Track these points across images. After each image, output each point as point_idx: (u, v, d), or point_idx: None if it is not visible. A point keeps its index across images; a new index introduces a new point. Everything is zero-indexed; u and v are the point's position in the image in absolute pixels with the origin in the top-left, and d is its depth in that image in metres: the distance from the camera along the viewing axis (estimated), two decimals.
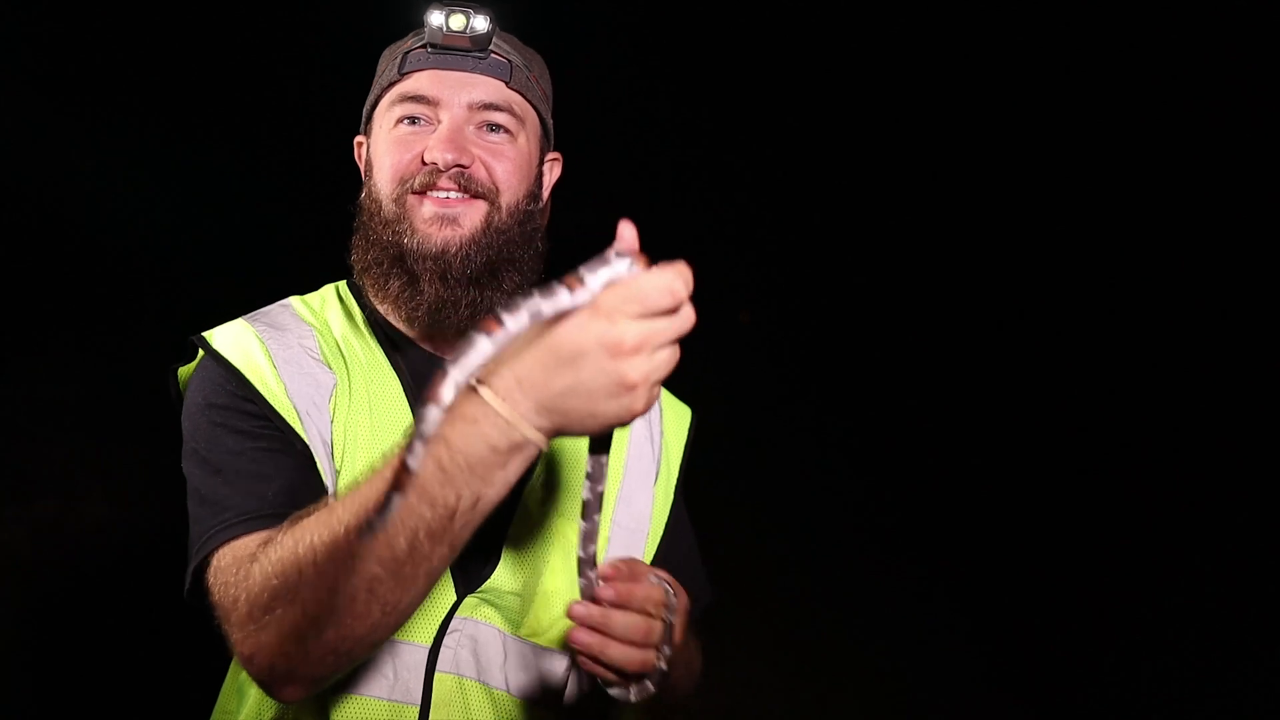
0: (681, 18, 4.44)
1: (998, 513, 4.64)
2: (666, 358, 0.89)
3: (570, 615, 0.97)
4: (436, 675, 1.14)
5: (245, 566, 1.02)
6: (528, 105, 1.28)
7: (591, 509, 1.01)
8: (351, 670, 1.07)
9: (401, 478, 0.82)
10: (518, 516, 1.22)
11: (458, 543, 0.94)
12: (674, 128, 4.74)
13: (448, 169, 1.20)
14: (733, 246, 5.21)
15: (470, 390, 0.91)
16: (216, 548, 1.07)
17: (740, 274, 5.31)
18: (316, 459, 1.14)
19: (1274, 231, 4.51)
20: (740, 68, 4.73)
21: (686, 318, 0.89)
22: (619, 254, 0.90)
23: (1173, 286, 4.79)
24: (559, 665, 1.21)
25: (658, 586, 1.02)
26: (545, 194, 1.34)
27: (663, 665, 1.02)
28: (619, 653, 0.98)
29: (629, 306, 0.87)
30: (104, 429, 3.82)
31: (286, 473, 1.11)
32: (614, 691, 1.03)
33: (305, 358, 1.21)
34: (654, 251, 1.06)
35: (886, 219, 5.18)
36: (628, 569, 1.02)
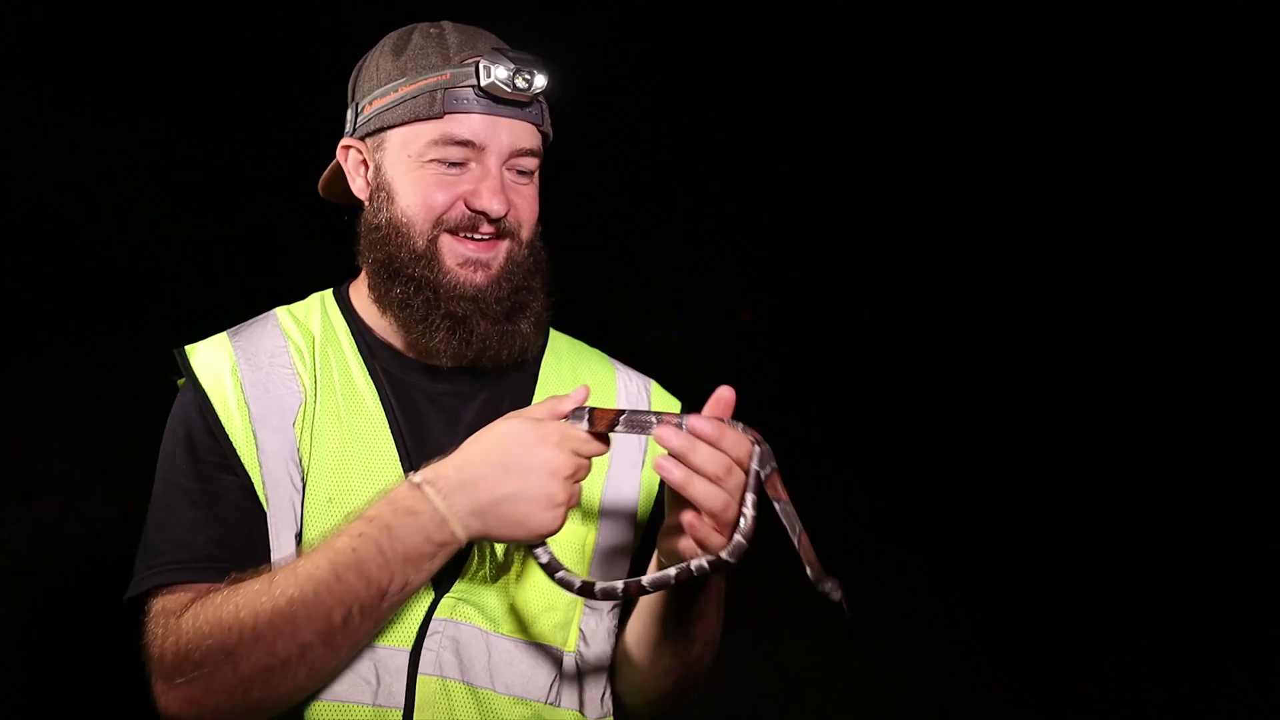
0: (682, 14, 4.43)
1: (999, 513, 4.64)
2: (575, 491, 1.08)
3: (658, 438, 1.02)
4: (419, 678, 1.16)
5: (172, 620, 1.10)
6: (543, 139, 1.31)
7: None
8: (334, 678, 1.13)
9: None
10: None
11: (383, 620, 1.08)
12: (674, 128, 4.74)
13: (497, 219, 1.22)
14: (734, 247, 5.22)
15: (415, 486, 1.05)
16: (150, 592, 1.15)
17: (741, 274, 5.32)
18: (266, 492, 1.19)
19: (1274, 231, 4.51)
20: (741, 66, 4.73)
21: (586, 468, 1.10)
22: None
23: (1172, 287, 4.79)
24: (544, 659, 1.22)
25: (745, 437, 1.05)
26: None
27: (749, 513, 1.03)
28: (702, 489, 1.00)
29: (572, 442, 1.06)
30: (104, 429, 3.82)
31: (225, 520, 1.18)
32: (702, 562, 1.04)
33: (273, 377, 1.24)
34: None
35: (887, 219, 5.18)
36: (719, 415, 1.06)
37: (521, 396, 1.33)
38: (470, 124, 1.22)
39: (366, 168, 1.30)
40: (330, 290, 1.38)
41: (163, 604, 1.13)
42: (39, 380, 3.83)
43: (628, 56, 4.43)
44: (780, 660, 3.85)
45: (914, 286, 5.24)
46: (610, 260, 4.19)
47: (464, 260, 1.23)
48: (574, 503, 1.09)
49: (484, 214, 1.22)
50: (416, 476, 1.07)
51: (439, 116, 1.22)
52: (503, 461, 1.05)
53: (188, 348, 1.29)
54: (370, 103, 1.28)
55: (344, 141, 1.33)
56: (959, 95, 4.84)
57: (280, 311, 1.35)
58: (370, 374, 1.27)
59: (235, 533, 1.18)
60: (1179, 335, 4.75)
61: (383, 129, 1.26)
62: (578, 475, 1.08)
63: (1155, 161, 4.69)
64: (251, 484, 1.20)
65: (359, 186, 1.32)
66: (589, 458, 1.09)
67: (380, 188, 1.27)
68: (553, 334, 1.43)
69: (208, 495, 1.19)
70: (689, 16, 4.44)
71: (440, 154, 1.22)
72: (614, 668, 1.35)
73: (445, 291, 1.23)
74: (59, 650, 3.16)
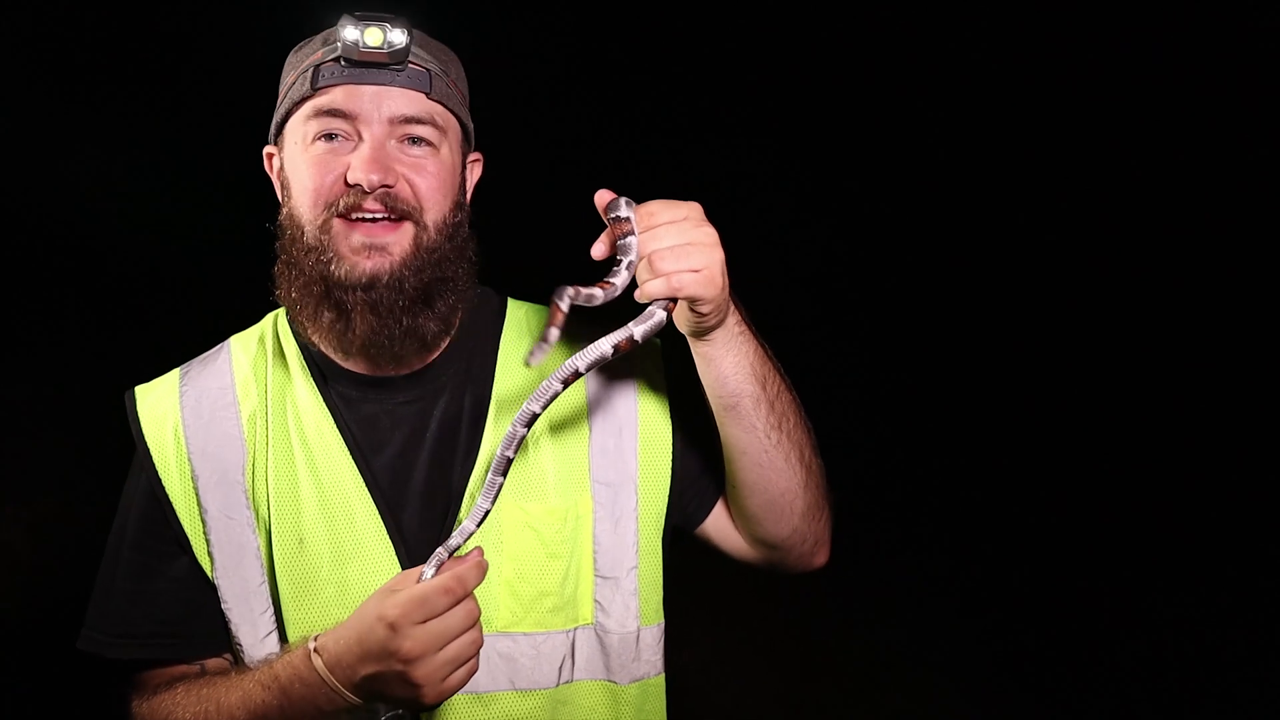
0: (687, 7, 4.41)
1: (1004, 513, 4.63)
2: (456, 652, 1.02)
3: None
4: None
5: (140, 704, 1.24)
6: (449, 114, 1.23)
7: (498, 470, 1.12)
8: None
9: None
10: (462, 514, 1.20)
11: None
12: (679, 121, 4.73)
13: (373, 190, 1.15)
14: (737, 246, 5.20)
15: (309, 656, 1.07)
16: (132, 671, 1.28)
17: (744, 273, 5.30)
18: (211, 553, 1.21)
19: (1275, 232, 4.51)
20: (746, 63, 4.72)
21: (470, 612, 1.03)
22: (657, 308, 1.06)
23: (1179, 287, 4.78)
24: (548, 646, 1.21)
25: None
26: (468, 197, 1.30)
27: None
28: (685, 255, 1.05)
29: (413, 614, 1.00)
30: (104, 429, 3.81)
31: (162, 595, 1.24)
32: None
33: (214, 431, 1.23)
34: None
35: (887, 219, 5.18)
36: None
37: (482, 383, 1.28)
38: (337, 93, 1.17)
39: (280, 170, 1.26)
40: (284, 310, 1.31)
41: (136, 678, 1.28)
42: (40, 380, 3.83)
43: (632, 49, 4.42)
44: (781, 660, 3.84)
45: (917, 286, 5.24)
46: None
47: (358, 246, 1.16)
48: (447, 669, 1.03)
49: (359, 186, 1.14)
50: (313, 642, 1.08)
51: (310, 95, 1.18)
52: (360, 640, 1.03)
53: (137, 391, 1.27)
54: (277, 106, 1.26)
55: (266, 150, 1.30)
56: (962, 97, 4.84)
57: (233, 342, 1.31)
58: (325, 401, 1.24)
59: (174, 608, 1.24)
60: (1182, 337, 4.75)
61: (280, 126, 1.24)
62: (430, 647, 1.01)
63: (1158, 161, 4.68)
64: (195, 553, 1.22)
65: (279, 192, 1.27)
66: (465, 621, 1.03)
67: (284, 185, 1.24)
68: (510, 304, 1.37)
69: (147, 570, 1.24)
70: (706, 19, 4.42)
71: (316, 128, 1.17)
72: (754, 537, 1.31)
73: (334, 281, 1.16)
74: (58, 650, 3.15)
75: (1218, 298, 4.69)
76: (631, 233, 1.05)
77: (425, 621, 1.01)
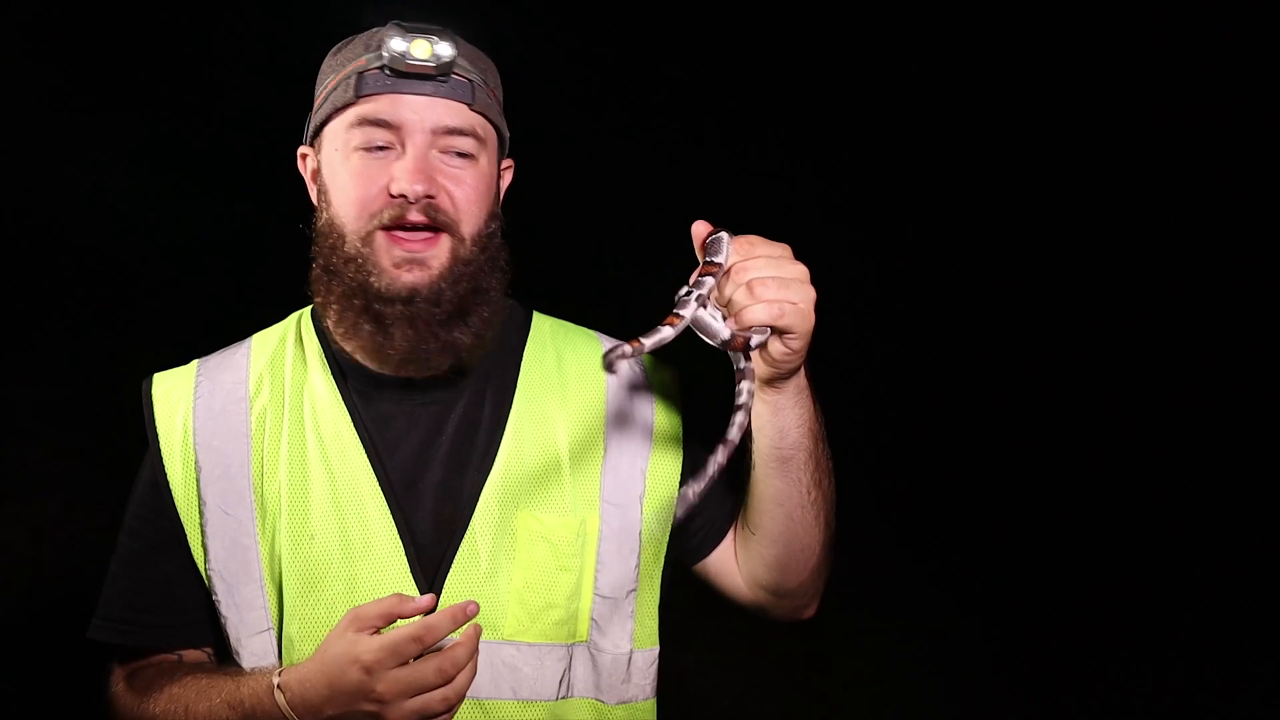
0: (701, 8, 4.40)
1: (1006, 511, 4.64)
2: (425, 703, 1.03)
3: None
4: None
5: (112, 689, 1.28)
6: (489, 125, 1.25)
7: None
8: None
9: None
10: (476, 518, 1.21)
11: None
12: (687, 119, 4.73)
13: (418, 200, 1.17)
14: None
15: (272, 691, 1.09)
16: (112, 655, 1.30)
17: None
18: (206, 545, 1.22)
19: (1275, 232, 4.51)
20: (756, 63, 4.72)
21: (440, 669, 1.03)
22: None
23: (1186, 285, 4.79)
24: (550, 658, 1.21)
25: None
26: (499, 205, 1.32)
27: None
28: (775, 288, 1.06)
29: (386, 660, 1.02)
30: (104, 429, 3.81)
31: (152, 584, 1.27)
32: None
33: (223, 426, 1.24)
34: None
35: (889, 218, 5.18)
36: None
37: (504, 392, 1.29)
38: (381, 103, 1.18)
39: (316, 173, 1.27)
40: (309, 308, 1.34)
41: (115, 666, 1.31)
42: (40, 380, 3.82)
43: (648, 52, 4.41)
44: (782, 660, 3.84)
45: (917, 284, 5.24)
46: (619, 261, 4.19)
47: (399, 260, 1.18)
48: (426, 712, 1.05)
49: (403, 197, 1.16)
50: (277, 678, 1.10)
51: (354, 102, 1.19)
52: (329, 679, 1.05)
53: (155, 378, 1.29)
54: (314, 106, 1.27)
55: (300, 150, 1.32)
56: (966, 97, 4.85)
57: (254, 339, 1.33)
58: (343, 398, 1.24)
59: (161, 597, 1.25)
60: (1185, 335, 4.75)
61: (319, 129, 1.25)
62: (403, 692, 1.03)
63: (1157, 162, 4.69)
64: (189, 545, 1.23)
65: (313, 193, 1.29)
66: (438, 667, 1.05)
67: (321, 190, 1.25)
68: (536, 318, 1.39)
69: (139, 557, 1.26)
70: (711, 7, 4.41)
71: (360, 140, 1.18)
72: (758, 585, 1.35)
73: (375, 294, 1.18)
74: (59, 650, 3.15)
75: (1236, 311, 4.69)
76: (714, 274, 1.05)
77: (398, 668, 1.04)
